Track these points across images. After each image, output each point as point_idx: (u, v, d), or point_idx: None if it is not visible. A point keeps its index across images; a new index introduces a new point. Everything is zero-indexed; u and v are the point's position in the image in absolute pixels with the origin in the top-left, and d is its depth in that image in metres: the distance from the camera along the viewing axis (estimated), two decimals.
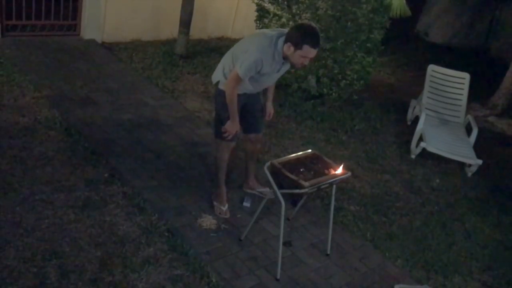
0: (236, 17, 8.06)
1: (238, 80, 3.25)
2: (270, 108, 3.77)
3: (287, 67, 3.40)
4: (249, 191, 4.02)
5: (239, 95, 3.40)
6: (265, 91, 3.73)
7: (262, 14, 6.29)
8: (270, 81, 3.53)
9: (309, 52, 3.07)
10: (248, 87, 3.44)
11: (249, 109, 3.64)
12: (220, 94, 3.42)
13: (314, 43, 3.05)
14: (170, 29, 7.02)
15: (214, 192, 3.84)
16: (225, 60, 3.46)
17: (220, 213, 3.69)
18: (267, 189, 3.94)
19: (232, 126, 3.45)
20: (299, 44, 3.06)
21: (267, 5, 6.25)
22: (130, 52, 6.47)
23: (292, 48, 3.10)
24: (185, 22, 6.53)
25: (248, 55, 3.18)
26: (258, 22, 6.37)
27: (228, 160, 3.71)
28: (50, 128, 4.25)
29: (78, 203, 3.43)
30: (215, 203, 3.76)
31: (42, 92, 4.81)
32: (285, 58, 3.22)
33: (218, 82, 3.48)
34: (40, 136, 4.10)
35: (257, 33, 3.55)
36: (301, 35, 3.06)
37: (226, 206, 3.75)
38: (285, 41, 3.14)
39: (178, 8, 6.55)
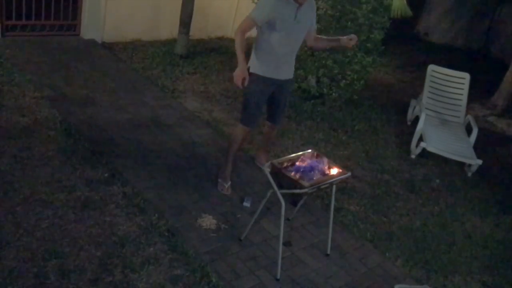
0: (236, 17, 8.05)
1: (249, 22, 3.48)
2: (347, 38, 3.68)
3: (304, 15, 3.55)
4: (259, 165, 4.27)
5: (270, 80, 3.65)
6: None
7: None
8: (294, 37, 3.62)
9: None
10: (276, 53, 3.57)
11: (276, 100, 3.88)
12: (250, 78, 3.57)
13: None
14: (170, 29, 7.02)
15: (220, 169, 4.05)
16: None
17: (222, 190, 3.93)
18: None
19: (238, 73, 3.49)
20: None
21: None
22: (130, 52, 6.47)
23: None
24: (185, 22, 6.54)
25: (260, 1, 3.51)
26: None
27: (241, 143, 3.97)
28: (50, 128, 4.25)
29: (78, 203, 3.43)
30: (219, 180, 3.99)
31: (42, 92, 4.82)
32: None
33: (249, 68, 3.64)
34: (40, 136, 4.10)
35: None
36: None
37: (229, 183, 3.97)
38: None
39: (178, 8, 6.55)
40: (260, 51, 3.63)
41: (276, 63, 3.66)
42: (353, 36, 3.69)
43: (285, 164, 3.25)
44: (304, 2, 3.47)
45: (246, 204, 3.86)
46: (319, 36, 3.95)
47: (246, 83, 3.53)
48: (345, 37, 3.71)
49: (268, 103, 3.90)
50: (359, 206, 4.28)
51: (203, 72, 6.36)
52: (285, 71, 3.77)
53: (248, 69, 3.61)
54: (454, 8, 11.00)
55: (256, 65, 3.65)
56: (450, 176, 5.24)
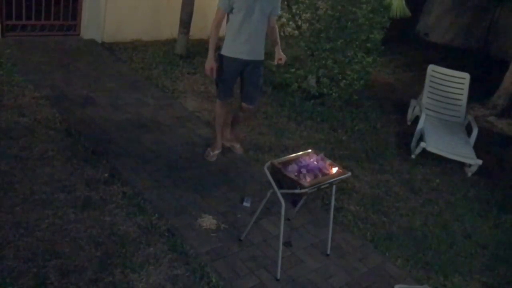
0: None
1: (218, 13, 3.94)
2: (279, 53, 4.13)
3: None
4: (225, 142, 4.53)
5: (236, 59, 4.00)
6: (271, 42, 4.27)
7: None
8: (255, 17, 3.93)
9: None
10: (240, 33, 3.94)
11: (246, 78, 4.18)
12: (217, 58, 4.05)
13: None
14: (170, 29, 7.02)
15: (212, 142, 4.44)
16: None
17: (207, 156, 4.33)
18: (238, 146, 4.58)
19: (206, 64, 4.04)
20: None
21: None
22: (130, 52, 6.47)
23: None
24: (185, 22, 6.54)
25: None
26: None
27: (224, 115, 4.35)
28: (50, 128, 4.25)
29: (78, 203, 3.43)
30: (208, 148, 4.40)
31: (42, 92, 4.82)
32: None
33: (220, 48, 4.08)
34: (40, 136, 4.10)
35: None
36: None
37: (216, 151, 4.37)
38: None
39: (178, 8, 6.55)
40: (227, 34, 4.02)
41: (241, 43, 3.98)
42: (283, 57, 4.12)
43: (285, 164, 3.25)
44: None
45: (246, 204, 3.86)
46: (275, 27, 4.21)
47: (214, 73, 4.04)
48: (279, 53, 4.12)
49: (241, 84, 4.23)
50: (359, 206, 4.28)
51: (203, 72, 6.32)
52: (251, 51, 4.03)
53: (219, 49, 4.04)
54: (454, 8, 10.99)
55: (224, 47, 4.04)
56: (450, 176, 5.24)
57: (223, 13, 3.96)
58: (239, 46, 3.99)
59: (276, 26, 4.27)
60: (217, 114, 4.34)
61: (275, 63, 4.16)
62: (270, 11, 4.05)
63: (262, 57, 4.16)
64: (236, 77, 4.19)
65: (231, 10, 3.92)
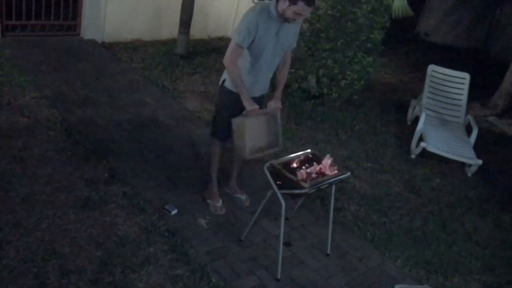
0: (236, 17, 8.05)
1: (237, 49, 3.24)
2: (275, 104, 3.48)
3: (286, 30, 3.31)
4: (227, 191, 3.97)
5: (235, 94, 3.34)
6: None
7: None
8: (273, 53, 3.35)
9: (303, 9, 3.12)
10: (254, 70, 3.33)
11: None
12: (221, 91, 3.47)
13: (309, 1, 3.10)
14: (170, 29, 7.02)
15: (206, 189, 3.86)
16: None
17: (216, 210, 3.72)
18: (244, 197, 3.94)
19: (248, 104, 3.26)
20: (294, 0, 3.09)
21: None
22: (130, 52, 6.47)
23: (287, 3, 3.12)
24: (185, 22, 6.54)
25: (242, 21, 3.25)
26: None
27: (220, 158, 3.78)
28: (50, 128, 4.25)
29: (78, 203, 3.43)
30: (208, 201, 3.79)
31: (42, 92, 4.82)
32: (281, 16, 3.20)
33: (224, 81, 3.46)
34: (40, 136, 4.10)
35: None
36: None
37: (220, 202, 3.78)
38: None
39: (178, 8, 6.55)
40: (240, 68, 3.33)
41: (253, 80, 3.40)
42: (278, 107, 3.48)
43: (285, 165, 3.25)
44: (291, 22, 3.23)
45: (173, 211, 3.59)
46: (289, 62, 3.60)
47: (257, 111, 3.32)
48: (277, 101, 3.47)
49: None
50: (359, 206, 4.28)
51: (203, 72, 6.36)
52: (261, 88, 3.52)
53: (223, 82, 3.45)
54: (454, 8, 10.99)
55: (229, 80, 3.41)
56: (450, 176, 5.24)
57: (242, 50, 3.26)
58: (252, 83, 3.40)
59: (289, 62, 3.62)
60: (213, 158, 3.75)
61: (268, 112, 3.47)
62: (288, 45, 3.48)
63: (267, 90, 3.63)
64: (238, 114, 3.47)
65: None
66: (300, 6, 3.10)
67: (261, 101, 3.53)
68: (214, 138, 3.69)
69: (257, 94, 3.48)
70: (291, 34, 3.42)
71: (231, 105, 3.43)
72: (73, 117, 4.53)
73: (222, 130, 3.58)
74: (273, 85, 3.62)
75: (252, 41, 3.23)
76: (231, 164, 3.94)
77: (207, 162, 4.30)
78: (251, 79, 3.38)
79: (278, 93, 3.54)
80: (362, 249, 3.76)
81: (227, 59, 3.28)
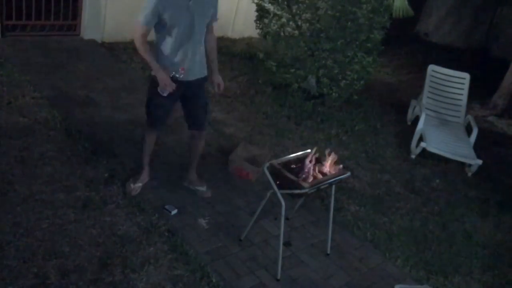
0: (236, 17, 8.06)
1: (140, 30, 3.19)
2: (218, 80, 3.59)
3: (200, 2, 3.23)
4: (188, 185, 3.92)
5: (176, 81, 3.29)
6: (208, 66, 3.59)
7: (262, 14, 6.30)
8: (192, 30, 3.25)
9: None
10: (177, 52, 3.26)
11: (190, 102, 3.56)
12: (152, 80, 3.37)
13: None
14: None
15: (134, 174, 3.80)
16: None
17: (129, 191, 3.65)
18: (204, 189, 3.89)
19: (161, 79, 3.25)
20: None
21: (267, 5, 6.25)
22: (130, 52, 6.46)
23: None
24: None
25: (146, 1, 3.19)
26: (258, 22, 6.38)
27: (153, 144, 3.72)
28: (50, 128, 4.25)
29: (78, 203, 3.43)
30: (129, 180, 3.73)
31: (42, 92, 4.82)
32: None
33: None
34: (40, 136, 4.10)
35: None
36: None
37: (139, 184, 3.71)
38: None
39: None
40: (160, 52, 3.30)
41: (182, 63, 3.32)
42: (221, 83, 3.61)
43: (284, 165, 3.25)
44: None
45: (173, 211, 3.60)
46: (215, 37, 3.59)
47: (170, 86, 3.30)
48: (217, 77, 3.59)
49: (184, 107, 3.60)
50: (359, 206, 4.28)
51: None
52: (192, 71, 3.39)
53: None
54: (454, 8, 10.99)
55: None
56: (450, 176, 5.24)
57: (147, 30, 3.21)
58: (176, 66, 3.32)
59: (215, 36, 3.60)
60: (147, 144, 3.67)
61: (215, 90, 3.62)
62: (208, 17, 3.37)
63: (205, 73, 3.55)
64: (175, 102, 3.51)
65: (158, 26, 3.22)
66: None
67: (202, 84, 3.54)
68: (151, 127, 3.62)
69: (193, 77, 3.42)
70: (206, 4, 3.30)
71: (162, 93, 3.36)
72: (73, 117, 4.53)
73: (158, 118, 3.54)
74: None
75: (163, 22, 3.17)
76: (190, 156, 3.87)
77: (211, 162, 4.31)
78: (179, 62, 3.31)
79: (215, 66, 3.57)
80: (362, 249, 3.76)
81: (135, 40, 3.24)
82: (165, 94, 3.32)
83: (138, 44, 3.23)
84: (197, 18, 3.26)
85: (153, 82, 3.35)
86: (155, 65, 3.26)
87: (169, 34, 3.23)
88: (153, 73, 3.31)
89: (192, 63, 3.37)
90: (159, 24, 3.22)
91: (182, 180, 3.96)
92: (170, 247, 3.23)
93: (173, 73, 3.31)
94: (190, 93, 3.51)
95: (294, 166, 3.24)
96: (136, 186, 3.69)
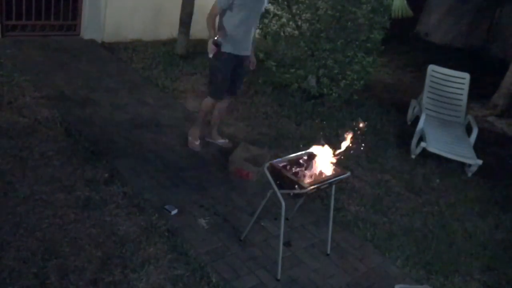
0: None
1: (215, 10, 4.04)
2: (253, 59, 4.41)
3: None
4: (210, 140, 4.65)
5: (234, 56, 4.12)
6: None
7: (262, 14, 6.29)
8: (253, 15, 4.11)
9: None
10: (238, 31, 4.05)
11: (237, 74, 4.31)
12: (212, 59, 4.14)
13: None
14: (170, 29, 7.02)
15: (192, 129, 4.53)
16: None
17: (192, 147, 4.45)
18: (226, 141, 4.68)
19: (212, 45, 4.03)
20: None
21: (267, 5, 6.24)
22: (130, 52, 6.47)
23: None
24: (185, 22, 6.54)
25: None
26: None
27: (209, 110, 4.47)
28: (50, 128, 4.25)
29: (78, 203, 3.43)
30: (190, 138, 4.49)
31: (42, 92, 4.82)
32: None
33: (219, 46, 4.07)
34: (40, 136, 4.10)
35: None
36: None
37: (199, 141, 4.48)
38: None
39: (178, 8, 6.55)
40: (223, 31, 4.06)
41: (238, 40, 4.11)
42: (254, 62, 4.44)
43: (285, 165, 3.25)
44: None
45: (173, 211, 3.60)
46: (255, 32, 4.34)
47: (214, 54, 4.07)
48: (253, 58, 4.41)
49: (232, 76, 4.29)
50: (359, 206, 4.28)
51: (203, 72, 6.35)
52: (245, 48, 4.20)
53: (216, 44, 4.02)
54: (454, 8, 10.99)
55: (222, 44, 4.06)
56: (450, 176, 5.24)
57: (220, 9, 4.04)
58: (238, 43, 4.11)
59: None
60: (205, 111, 4.44)
61: (251, 68, 4.45)
62: (262, 8, 4.23)
63: (250, 52, 4.35)
64: (230, 70, 4.26)
65: (229, 8, 4.01)
66: None
67: (246, 60, 4.32)
68: (213, 97, 4.35)
69: (242, 53, 4.19)
70: None
71: (225, 66, 4.17)
72: (73, 117, 4.53)
73: (221, 90, 4.31)
74: None
75: (233, 5, 3.97)
76: (216, 116, 4.59)
77: (210, 163, 4.31)
78: (236, 37, 4.08)
79: (253, 48, 4.41)
80: (362, 249, 3.76)
81: (208, 14, 4.07)
82: (210, 56, 4.09)
83: (208, 19, 4.07)
84: (258, 7, 4.13)
85: (219, 58, 4.10)
86: (213, 36, 4.01)
87: (234, 16, 4.02)
88: (209, 42, 4.04)
89: (246, 42, 4.18)
90: (228, 7, 4.01)
91: (205, 137, 4.62)
92: (170, 247, 3.23)
93: (229, 47, 4.09)
94: (238, 66, 4.26)
95: (294, 166, 3.24)
96: (198, 142, 4.47)
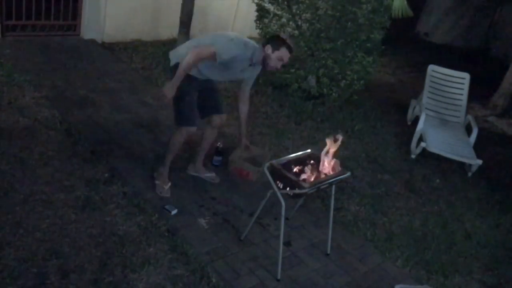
0: (236, 17, 8.05)
1: (210, 54, 3.38)
2: (246, 142, 3.94)
3: (252, 72, 3.65)
4: (194, 174, 4.12)
5: (195, 80, 3.56)
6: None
7: (262, 14, 6.30)
8: (230, 77, 3.68)
9: (285, 55, 3.42)
10: (206, 73, 3.57)
11: (206, 93, 3.75)
12: (173, 77, 3.47)
13: (291, 49, 3.44)
14: (170, 29, 7.02)
15: (159, 171, 3.87)
16: (194, 42, 3.63)
17: (161, 192, 3.76)
18: (213, 174, 4.13)
19: (169, 90, 3.41)
20: (278, 46, 3.39)
21: (267, 5, 6.25)
22: (130, 52, 6.47)
23: (270, 49, 3.41)
24: (185, 22, 6.53)
25: (234, 43, 3.43)
26: (258, 22, 6.38)
27: (181, 145, 3.78)
28: (50, 128, 4.25)
29: (78, 203, 3.43)
30: (157, 182, 3.83)
31: (42, 92, 4.82)
32: (262, 60, 3.47)
33: (176, 64, 3.48)
34: (40, 136, 4.10)
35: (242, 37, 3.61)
36: (281, 40, 3.43)
37: (169, 184, 3.81)
38: (265, 44, 3.45)
39: (178, 8, 6.54)
40: (200, 66, 3.51)
41: (205, 77, 3.64)
42: (247, 145, 3.95)
43: (285, 165, 3.25)
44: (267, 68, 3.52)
45: (173, 211, 3.61)
46: (246, 101, 3.79)
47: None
48: (245, 140, 3.91)
49: (200, 99, 3.72)
50: (359, 206, 4.28)
51: None
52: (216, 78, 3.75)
53: (175, 65, 3.47)
54: (454, 8, 11.00)
55: (176, 56, 3.58)
56: (450, 176, 5.24)
57: (213, 58, 3.40)
58: (201, 75, 3.62)
59: (248, 99, 3.81)
60: (176, 144, 3.72)
61: (242, 149, 3.99)
62: (247, 83, 3.76)
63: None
64: (196, 93, 3.69)
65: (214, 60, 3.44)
66: (283, 51, 3.40)
67: (212, 82, 3.75)
68: (182, 126, 3.64)
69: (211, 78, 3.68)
70: (253, 76, 3.72)
71: (190, 89, 3.58)
72: (73, 117, 4.53)
73: (189, 114, 3.63)
74: None
75: (222, 64, 3.45)
76: (202, 144, 4.03)
77: (208, 162, 4.31)
78: (203, 76, 3.60)
79: (243, 130, 3.87)
80: (362, 249, 3.77)
81: (194, 51, 3.38)
82: (166, 100, 3.48)
83: (193, 58, 3.38)
84: (239, 78, 3.71)
85: (186, 84, 3.49)
86: (177, 83, 3.41)
87: (216, 67, 3.49)
88: (173, 81, 3.41)
89: (209, 79, 3.69)
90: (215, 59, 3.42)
91: (188, 170, 4.12)
92: (170, 247, 3.23)
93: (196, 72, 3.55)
94: (204, 87, 3.71)
95: (294, 166, 3.24)
96: (168, 187, 3.80)
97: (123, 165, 3.99)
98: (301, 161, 3.31)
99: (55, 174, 3.68)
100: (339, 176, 3.28)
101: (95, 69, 5.69)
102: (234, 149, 4.48)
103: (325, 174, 3.24)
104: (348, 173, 3.39)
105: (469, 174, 5.36)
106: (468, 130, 5.82)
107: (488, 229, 4.44)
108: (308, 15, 6.06)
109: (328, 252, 3.60)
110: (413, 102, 6.53)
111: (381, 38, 6.03)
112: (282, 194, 3.13)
